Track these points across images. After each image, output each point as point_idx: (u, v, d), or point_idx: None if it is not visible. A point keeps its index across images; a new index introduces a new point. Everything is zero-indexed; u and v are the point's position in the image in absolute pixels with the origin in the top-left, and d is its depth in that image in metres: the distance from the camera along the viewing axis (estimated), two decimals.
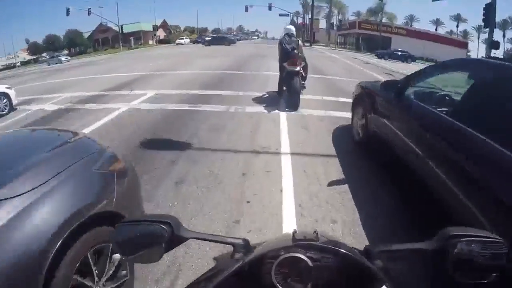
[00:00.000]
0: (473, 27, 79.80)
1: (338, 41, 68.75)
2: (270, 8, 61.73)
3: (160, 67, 21.54)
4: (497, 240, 1.01)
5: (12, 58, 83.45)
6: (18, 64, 74.91)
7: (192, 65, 22.37)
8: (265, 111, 9.26)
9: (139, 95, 11.96)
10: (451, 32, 77.60)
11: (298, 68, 9.27)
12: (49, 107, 11.25)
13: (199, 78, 15.69)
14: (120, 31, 63.60)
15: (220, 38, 59.27)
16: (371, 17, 64.13)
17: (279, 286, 1.00)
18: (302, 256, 1.00)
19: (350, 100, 9.94)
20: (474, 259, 0.99)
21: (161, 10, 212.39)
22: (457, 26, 79.68)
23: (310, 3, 68.90)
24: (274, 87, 11.05)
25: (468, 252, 0.99)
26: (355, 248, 1.14)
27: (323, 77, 15.91)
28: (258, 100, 10.58)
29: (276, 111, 9.16)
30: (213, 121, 8.37)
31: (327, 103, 10.28)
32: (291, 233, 1.08)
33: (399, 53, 43.30)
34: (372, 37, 62.36)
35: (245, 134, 7.32)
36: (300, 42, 10.14)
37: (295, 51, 9.57)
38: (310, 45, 58.18)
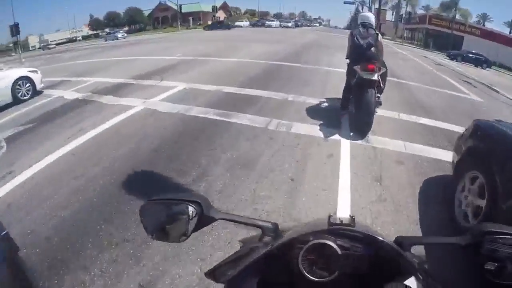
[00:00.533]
0: None
1: (405, 35, 63.49)
2: None
3: (207, 52, 19.31)
4: None
5: (76, 32, 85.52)
6: (79, 38, 76.62)
7: (244, 51, 19.76)
8: (320, 134, 6.39)
9: (167, 88, 10.01)
10: None
11: (375, 76, 6.08)
12: (70, 95, 10.36)
13: (244, 69, 13.27)
14: (179, 11, 62.16)
15: (218, 25, 60.21)
16: (443, 12, 58.13)
17: (305, 273, 1.00)
18: (332, 244, 0.99)
19: (433, 124, 7.53)
20: (510, 258, 0.93)
21: None
22: None
23: None
24: (336, 92, 8.23)
25: (504, 250, 0.93)
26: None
27: (395, 81, 12.63)
28: (312, 112, 7.66)
29: (336, 136, 6.28)
30: (241, 147, 5.82)
31: (405, 125, 7.31)
32: (327, 218, 1.05)
33: (474, 56, 37.83)
34: (441, 35, 56.03)
35: (282, 185, 4.58)
36: (380, 37, 6.83)
37: (372, 49, 6.49)
38: None
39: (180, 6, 62.41)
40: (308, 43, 27.62)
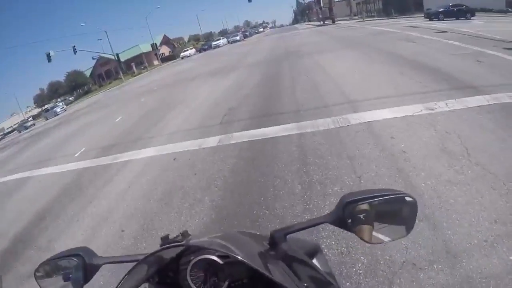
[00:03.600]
0: None
1: (358, 10, 56.44)
2: None
3: (124, 129, 11.53)
4: (405, 195, 0.97)
5: (30, 111, 77.38)
6: (30, 119, 66.84)
7: (176, 115, 11.17)
8: None
9: None
10: None
11: None
12: None
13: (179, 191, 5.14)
14: (118, 60, 53.32)
15: None
16: None
17: None
18: (211, 257, 0.97)
19: None
20: (376, 219, 0.96)
21: (161, 26, 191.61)
22: None
23: None
24: None
25: (368, 214, 0.95)
26: (262, 236, 1.18)
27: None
28: None
29: None
30: None
31: None
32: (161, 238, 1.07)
33: (454, 8, 30.75)
34: None
35: None
36: None
37: None
38: (333, 22, 47.35)
39: (118, 55, 54.08)
40: (271, 57, 19.78)
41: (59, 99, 67.42)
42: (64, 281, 1.08)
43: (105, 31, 55.69)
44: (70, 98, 68.59)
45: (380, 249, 2.81)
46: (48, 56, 42.86)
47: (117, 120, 13.99)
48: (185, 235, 1.09)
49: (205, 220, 4.04)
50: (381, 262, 2.72)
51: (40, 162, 11.21)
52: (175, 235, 1.11)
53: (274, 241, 1.02)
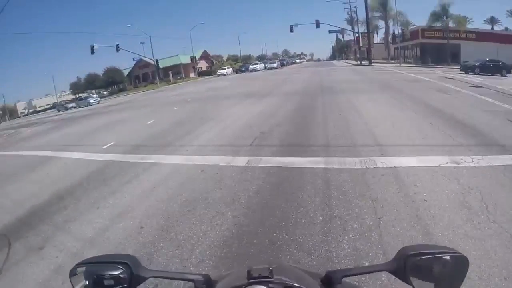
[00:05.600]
0: None
1: (397, 54, 56.34)
2: (318, 26, 50.51)
3: (155, 132, 11.77)
4: (458, 255, 0.95)
5: (63, 96, 79.96)
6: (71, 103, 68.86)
7: (216, 122, 12.20)
8: None
9: None
10: (507, 29, 63.23)
11: None
12: None
13: None
14: (156, 66, 55.42)
15: None
16: (434, 23, 50.33)
17: None
18: None
19: None
20: (435, 276, 0.93)
21: (203, 41, 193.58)
22: None
23: (356, 18, 60.64)
24: None
25: (428, 269, 0.92)
26: (316, 273, 1.11)
27: None
28: None
29: None
30: None
31: None
32: (246, 270, 0.95)
33: (491, 63, 30.07)
34: (437, 47, 49.01)
35: None
36: None
37: None
38: (370, 63, 47.58)
39: (157, 61, 55.76)
40: (305, 89, 20.26)
41: (93, 91, 69.76)
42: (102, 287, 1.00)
43: (149, 36, 57.60)
44: (105, 92, 71.13)
45: None
46: (92, 48, 44.81)
47: (149, 122, 14.45)
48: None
49: (225, 234, 4.22)
50: None
51: (67, 146, 11.81)
52: (262, 268, 0.95)
53: (330, 281, 0.99)
